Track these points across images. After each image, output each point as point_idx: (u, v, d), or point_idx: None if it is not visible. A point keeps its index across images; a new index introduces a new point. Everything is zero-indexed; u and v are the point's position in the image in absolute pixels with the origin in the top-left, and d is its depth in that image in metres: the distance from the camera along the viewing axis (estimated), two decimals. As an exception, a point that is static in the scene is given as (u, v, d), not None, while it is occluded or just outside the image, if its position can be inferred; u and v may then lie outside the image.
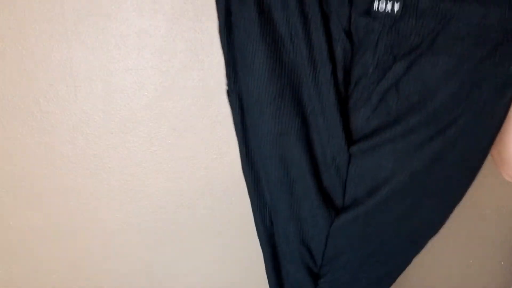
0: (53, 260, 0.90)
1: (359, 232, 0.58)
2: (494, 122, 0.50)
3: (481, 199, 0.99)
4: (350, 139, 0.54)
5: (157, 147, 0.83)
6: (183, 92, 0.78)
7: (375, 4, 0.47)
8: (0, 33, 0.71)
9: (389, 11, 0.46)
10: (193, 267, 0.96)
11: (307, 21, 0.49)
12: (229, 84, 0.57)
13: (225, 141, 0.84)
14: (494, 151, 0.55)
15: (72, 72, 0.74)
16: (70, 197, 0.85)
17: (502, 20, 0.45)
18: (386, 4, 0.46)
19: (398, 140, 0.51)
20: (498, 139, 0.53)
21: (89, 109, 0.78)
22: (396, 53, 0.48)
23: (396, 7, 0.46)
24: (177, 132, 0.82)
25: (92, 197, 0.85)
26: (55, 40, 0.72)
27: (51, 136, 0.79)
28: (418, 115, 0.50)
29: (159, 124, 0.81)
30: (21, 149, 0.79)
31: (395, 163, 0.53)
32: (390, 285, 0.65)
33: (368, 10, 0.47)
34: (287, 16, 0.49)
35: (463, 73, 0.47)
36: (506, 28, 0.45)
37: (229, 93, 0.57)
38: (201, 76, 0.77)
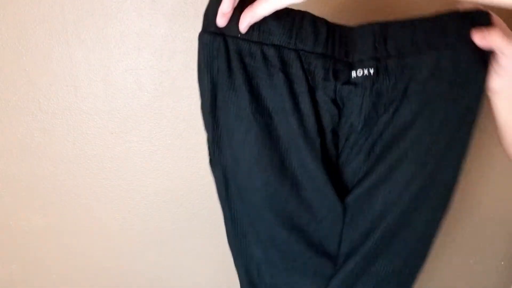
0: (53, 260, 0.90)
1: (359, 275, 0.63)
2: (458, 153, 0.58)
3: (481, 199, 0.99)
4: (344, 191, 0.60)
5: (157, 147, 0.83)
6: (183, 92, 0.78)
7: (353, 73, 0.54)
8: (0, 33, 0.71)
9: (366, 76, 0.54)
10: (193, 267, 0.96)
11: (295, 96, 0.55)
12: (213, 157, 0.60)
13: (225, 141, 0.84)
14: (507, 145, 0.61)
15: (72, 72, 0.74)
16: (70, 197, 0.85)
17: (453, 61, 0.53)
18: (363, 71, 0.54)
19: (385, 181, 0.57)
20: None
21: (89, 109, 0.78)
22: (378, 109, 0.56)
23: (371, 71, 0.54)
24: (177, 132, 0.82)
25: (92, 197, 0.85)
26: (55, 40, 0.72)
27: (51, 136, 0.79)
28: (397, 153, 0.56)
29: (159, 124, 0.81)
30: (21, 149, 0.79)
31: (385, 204, 0.58)
32: None
33: (349, 79, 0.55)
34: (275, 94, 0.54)
35: (431, 112, 0.55)
36: (457, 68, 0.53)
37: (212, 164, 0.61)
38: (201, 76, 0.77)
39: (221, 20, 0.51)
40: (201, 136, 0.83)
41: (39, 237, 0.87)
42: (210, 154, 0.61)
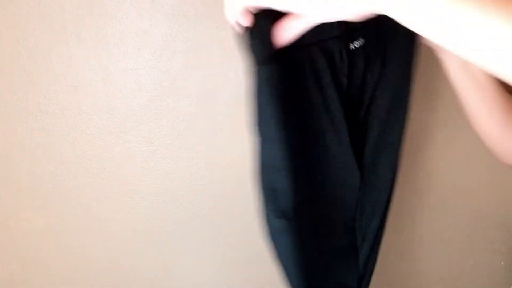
0: (53, 260, 0.90)
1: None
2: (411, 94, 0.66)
3: (481, 199, 0.99)
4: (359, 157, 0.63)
5: (157, 147, 0.83)
6: (183, 92, 0.78)
7: (351, 46, 0.57)
8: (0, 33, 0.71)
9: (361, 46, 0.58)
10: (193, 267, 0.96)
11: (323, 93, 0.56)
12: (293, 215, 0.57)
13: (225, 140, 0.84)
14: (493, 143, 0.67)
15: (72, 72, 0.74)
16: (70, 197, 0.85)
17: None
18: (359, 42, 0.57)
19: (382, 138, 0.62)
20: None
21: (89, 109, 0.78)
22: (366, 75, 0.60)
23: (362, 40, 0.57)
24: (177, 132, 0.82)
25: (92, 197, 0.85)
26: (55, 40, 0.72)
27: (51, 136, 0.79)
28: (385, 110, 0.62)
29: (159, 124, 0.81)
30: (21, 149, 0.79)
31: (389, 154, 0.65)
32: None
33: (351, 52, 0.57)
34: (308, 97, 0.55)
35: (403, 65, 0.61)
36: None
37: (290, 222, 0.58)
38: (201, 76, 0.77)
39: (286, 34, 0.47)
40: (201, 136, 0.83)
41: (39, 237, 0.87)
42: (290, 213, 0.57)
